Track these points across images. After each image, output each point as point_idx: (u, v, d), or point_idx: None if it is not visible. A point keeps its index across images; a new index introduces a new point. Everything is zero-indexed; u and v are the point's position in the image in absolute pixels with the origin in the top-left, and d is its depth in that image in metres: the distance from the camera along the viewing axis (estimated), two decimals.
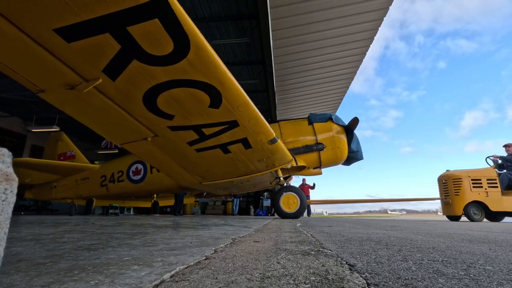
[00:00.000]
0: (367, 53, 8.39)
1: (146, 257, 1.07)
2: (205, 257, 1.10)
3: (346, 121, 6.48)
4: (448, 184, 7.69)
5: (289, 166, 5.60)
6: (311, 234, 2.25)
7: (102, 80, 2.64)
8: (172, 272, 0.82)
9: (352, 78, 10.16)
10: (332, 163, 6.54)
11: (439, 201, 8.39)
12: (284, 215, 5.86)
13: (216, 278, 0.77)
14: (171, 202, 13.36)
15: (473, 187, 7.23)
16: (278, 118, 11.64)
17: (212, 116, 3.43)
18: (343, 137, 6.29)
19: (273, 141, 4.40)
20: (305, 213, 11.72)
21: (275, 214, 8.01)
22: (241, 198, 14.56)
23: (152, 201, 11.77)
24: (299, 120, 6.54)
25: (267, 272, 0.85)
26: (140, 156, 4.50)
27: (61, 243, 1.51)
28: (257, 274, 0.82)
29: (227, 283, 0.72)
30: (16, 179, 0.50)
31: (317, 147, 6.13)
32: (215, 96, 3.08)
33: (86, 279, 0.73)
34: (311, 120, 6.36)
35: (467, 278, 0.79)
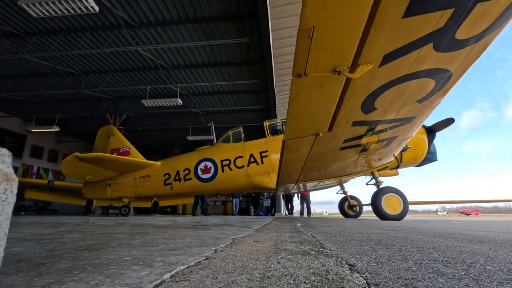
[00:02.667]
0: None
1: (146, 257, 1.07)
2: (205, 257, 1.10)
3: None
4: None
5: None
6: (311, 234, 2.25)
7: (372, 65, 2.25)
8: (172, 272, 0.82)
9: None
10: (410, 164, 6.52)
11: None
12: (386, 217, 5.58)
13: (216, 278, 0.77)
14: (171, 202, 13.38)
15: None
16: (278, 118, 11.62)
17: (404, 112, 3.18)
18: (425, 138, 6.34)
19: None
20: (305, 213, 11.71)
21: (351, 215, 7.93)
22: (240, 198, 14.51)
23: (152, 201, 11.77)
24: None
25: (267, 272, 0.85)
26: (286, 152, 4.13)
27: (61, 243, 1.51)
28: (257, 274, 0.82)
29: (227, 283, 0.72)
30: (16, 179, 0.50)
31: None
32: (436, 90, 2.80)
33: (86, 279, 0.73)
34: None
35: (467, 278, 0.78)
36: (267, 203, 14.62)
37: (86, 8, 5.27)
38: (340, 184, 7.63)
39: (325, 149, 4.06)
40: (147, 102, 10.01)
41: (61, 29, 7.57)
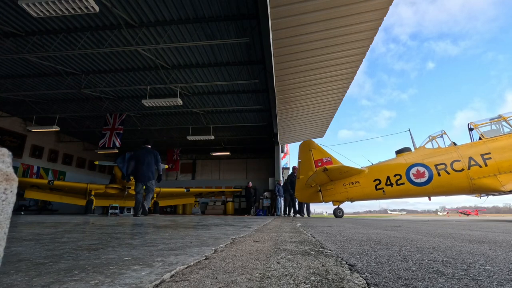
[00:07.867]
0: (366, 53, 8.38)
1: (146, 257, 1.07)
2: (205, 257, 1.10)
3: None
4: None
5: None
6: (311, 234, 2.25)
7: None
8: (172, 272, 0.82)
9: (352, 78, 10.15)
10: None
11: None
12: None
13: (216, 278, 0.77)
14: (171, 202, 13.42)
15: None
16: (278, 119, 11.62)
17: None
18: None
19: None
20: (305, 213, 11.71)
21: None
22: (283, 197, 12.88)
23: (152, 201, 11.81)
24: None
25: (267, 272, 0.85)
26: None
27: (61, 243, 1.51)
28: (257, 274, 0.82)
29: (227, 283, 0.72)
30: (16, 178, 0.50)
31: None
32: None
33: (86, 279, 0.73)
34: None
35: (467, 278, 0.78)
36: (267, 203, 14.62)
37: (86, 8, 5.27)
38: None
39: None
40: (147, 102, 10.01)
41: (61, 29, 7.56)
